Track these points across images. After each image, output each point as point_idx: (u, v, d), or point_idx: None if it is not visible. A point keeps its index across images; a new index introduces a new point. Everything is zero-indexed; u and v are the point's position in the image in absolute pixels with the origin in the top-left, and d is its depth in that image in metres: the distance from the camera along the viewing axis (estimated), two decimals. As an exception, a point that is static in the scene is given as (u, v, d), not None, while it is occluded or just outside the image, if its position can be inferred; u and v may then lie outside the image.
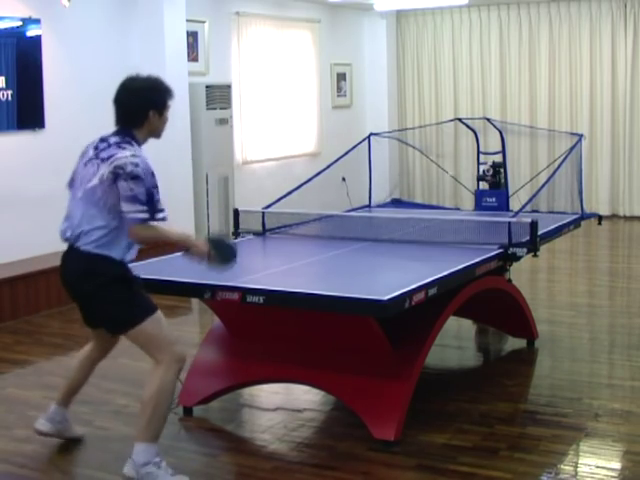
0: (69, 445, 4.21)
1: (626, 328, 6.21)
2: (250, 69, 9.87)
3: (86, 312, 3.83)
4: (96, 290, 3.65)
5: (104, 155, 3.62)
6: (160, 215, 3.61)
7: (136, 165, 3.55)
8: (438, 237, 5.09)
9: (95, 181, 3.60)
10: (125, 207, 3.55)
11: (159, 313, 3.76)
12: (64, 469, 4.01)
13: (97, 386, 4.89)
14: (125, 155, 3.57)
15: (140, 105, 3.70)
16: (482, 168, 6.54)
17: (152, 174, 3.60)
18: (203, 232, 8.76)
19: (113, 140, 3.67)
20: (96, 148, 3.69)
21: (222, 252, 3.76)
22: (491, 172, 6.41)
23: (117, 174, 3.54)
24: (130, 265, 3.79)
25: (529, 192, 7.28)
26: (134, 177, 3.53)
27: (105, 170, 3.57)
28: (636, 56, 11.01)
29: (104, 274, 3.64)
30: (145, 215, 3.56)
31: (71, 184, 3.83)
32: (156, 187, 3.61)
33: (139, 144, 3.71)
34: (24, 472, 3.98)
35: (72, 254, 3.72)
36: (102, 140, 3.72)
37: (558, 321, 6.30)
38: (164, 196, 3.71)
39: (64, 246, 3.80)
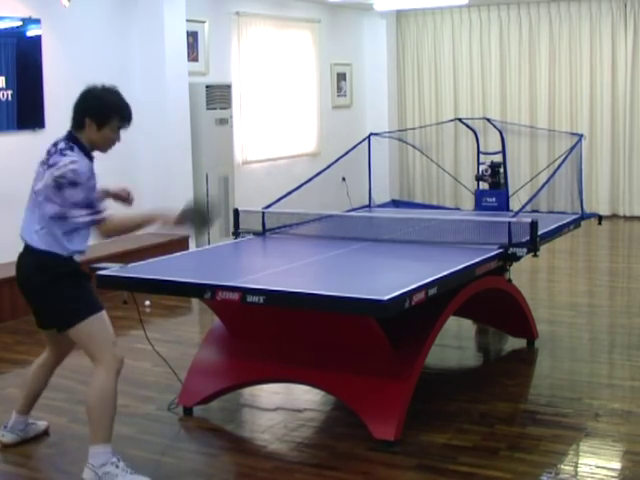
0: (68, 445, 4.21)
1: (626, 328, 6.21)
2: (250, 69, 9.87)
3: (36, 310, 3.89)
4: (44, 285, 3.73)
5: (51, 161, 3.70)
6: (103, 214, 3.67)
7: (74, 171, 3.62)
8: (438, 237, 5.08)
9: (40, 185, 3.71)
10: (73, 213, 3.63)
11: (104, 313, 3.81)
12: (64, 469, 4.01)
13: (97, 386, 4.89)
14: (65, 163, 3.63)
15: (77, 109, 3.77)
16: (481, 168, 6.54)
17: (89, 178, 3.66)
18: (203, 234, 8.77)
19: (60, 146, 3.73)
20: (49, 152, 3.77)
21: (197, 218, 3.87)
22: (489, 172, 6.41)
23: (60, 183, 3.62)
24: (132, 265, 3.80)
25: (529, 192, 7.28)
26: (74, 184, 3.61)
27: (49, 177, 3.66)
28: (636, 56, 11.01)
29: (52, 269, 3.72)
30: (93, 217, 3.64)
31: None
32: (93, 189, 3.68)
33: (82, 148, 3.73)
34: (24, 472, 3.98)
35: (24, 252, 3.84)
36: (54, 144, 3.79)
37: (558, 321, 6.30)
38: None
39: None
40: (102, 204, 3.71)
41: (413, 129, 10.73)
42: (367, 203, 6.75)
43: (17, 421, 4.19)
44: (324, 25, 11.23)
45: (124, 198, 4.17)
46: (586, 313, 6.61)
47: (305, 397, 4.80)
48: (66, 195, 3.60)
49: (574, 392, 4.83)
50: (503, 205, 6.30)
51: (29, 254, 3.80)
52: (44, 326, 3.98)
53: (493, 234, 4.94)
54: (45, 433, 4.31)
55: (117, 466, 3.69)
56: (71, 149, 3.69)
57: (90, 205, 3.63)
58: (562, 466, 3.90)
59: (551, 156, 10.92)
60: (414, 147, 10.24)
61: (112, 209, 3.80)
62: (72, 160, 3.63)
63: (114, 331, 3.85)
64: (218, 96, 8.98)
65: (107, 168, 4.34)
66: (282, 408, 4.67)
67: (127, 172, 7.85)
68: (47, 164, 3.71)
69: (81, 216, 3.63)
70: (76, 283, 3.78)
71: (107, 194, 4.09)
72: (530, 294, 6.58)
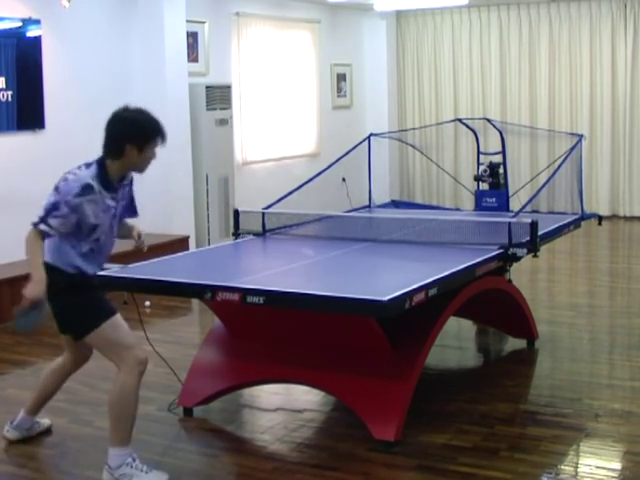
0: (69, 446, 4.22)
1: (626, 328, 6.21)
2: (250, 69, 9.87)
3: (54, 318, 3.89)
4: (52, 297, 3.73)
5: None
6: (42, 226, 3.61)
7: (65, 179, 3.65)
8: (438, 237, 5.08)
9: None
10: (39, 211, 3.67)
11: (117, 317, 3.79)
12: (64, 469, 4.01)
13: (97, 387, 4.90)
14: (68, 171, 3.69)
15: (116, 138, 3.68)
16: (481, 168, 6.54)
17: (74, 195, 3.59)
18: (203, 232, 8.78)
19: (85, 163, 3.75)
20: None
21: (32, 316, 3.70)
22: (488, 172, 6.41)
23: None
24: (133, 266, 3.80)
25: (529, 192, 7.27)
26: (55, 188, 3.65)
27: None
28: (636, 56, 11.01)
29: (56, 283, 3.71)
30: (36, 219, 3.64)
31: None
32: (66, 205, 3.59)
33: (100, 172, 3.69)
34: (24, 472, 3.98)
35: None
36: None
37: (558, 321, 6.30)
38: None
39: None
40: (52, 221, 3.60)
41: (413, 129, 10.72)
42: (367, 204, 6.76)
43: (24, 420, 4.21)
44: (324, 25, 11.23)
45: (134, 239, 4.07)
46: (586, 313, 6.61)
47: (305, 398, 4.80)
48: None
49: (574, 392, 4.83)
50: (503, 205, 6.29)
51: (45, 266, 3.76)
52: (63, 331, 3.98)
53: (493, 234, 4.93)
54: (48, 431, 4.33)
55: (132, 466, 3.69)
56: (87, 167, 3.69)
57: (45, 209, 3.62)
58: (562, 466, 3.90)
59: (551, 156, 10.92)
60: (414, 147, 10.24)
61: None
62: (74, 174, 3.66)
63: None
64: (218, 96, 8.98)
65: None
66: (282, 409, 4.67)
67: (127, 173, 7.84)
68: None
69: (37, 215, 3.64)
70: (80, 293, 3.76)
71: (131, 231, 4.06)
72: (530, 294, 6.58)
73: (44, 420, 4.34)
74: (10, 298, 6.48)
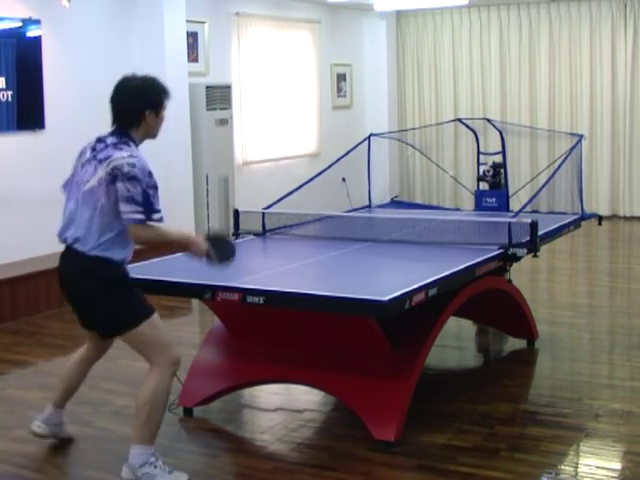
0: (69, 446, 4.21)
1: (626, 328, 6.21)
2: (250, 70, 9.87)
3: (82, 314, 3.79)
4: (94, 292, 3.63)
5: (101, 156, 3.60)
6: (156, 216, 3.58)
7: (133, 165, 3.53)
8: (438, 237, 5.09)
9: (93, 182, 3.59)
10: (122, 208, 3.54)
11: (156, 315, 3.74)
12: (64, 470, 4.02)
13: (97, 387, 4.90)
14: (122, 156, 3.56)
15: (136, 105, 3.69)
16: (482, 169, 6.55)
17: (149, 174, 3.58)
18: (203, 232, 8.77)
19: (110, 141, 3.65)
20: (94, 149, 3.68)
21: (221, 250, 3.77)
22: (491, 172, 6.41)
23: (114, 175, 3.53)
24: (133, 266, 3.79)
25: (529, 192, 7.27)
26: (131, 178, 3.52)
27: (102, 172, 3.56)
28: (636, 56, 11.01)
29: (102, 276, 3.62)
30: (141, 216, 3.54)
31: (66, 185, 3.82)
32: (154, 187, 3.58)
33: (136, 144, 3.70)
34: (24, 473, 3.98)
35: (70, 256, 3.70)
36: (99, 141, 3.70)
37: (558, 321, 6.30)
38: (164, 196, 3.70)
39: (63, 247, 3.79)
40: (157, 206, 3.57)
41: (413, 129, 10.73)
42: (367, 204, 6.76)
43: (53, 414, 4.11)
44: (324, 25, 11.22)
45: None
46: (586, 313, 6.61)
47: (305, 398, 4.80)
48: (119, 188, 3.51)
49: (574, 392, 4.83)
50: (503, 205, 6.30)
51: (76, 258, 3.65)
52: (89, 328, 3.89)
53: (493, 234, 4.94)
54: (71, 440, 4.24)
55: (156, 466, 3.66)
56: (127, 144, 3.62)
57: (144, 203, 3.52)
58: (562, 466, 3.90)
59: (551, 156, 10.92)
60: (414, 147, 10.24)
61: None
62: (130, 154, 3.57)
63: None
64: (218, 97, 8.98)
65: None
66: (282, 409, 4.67)
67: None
68: (96, 159, 3.60)
69: (130, 212, 3.52)
70: (125, 289, 3.69)
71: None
72: (530, 294, 6.57)
73: (69, 429, 4.25)
74: (10, 298, 6.48)
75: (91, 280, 3.62)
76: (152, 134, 3.79)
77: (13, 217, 7.05)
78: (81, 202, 3.64)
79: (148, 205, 3.54)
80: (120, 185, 3.52)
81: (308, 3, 10.86)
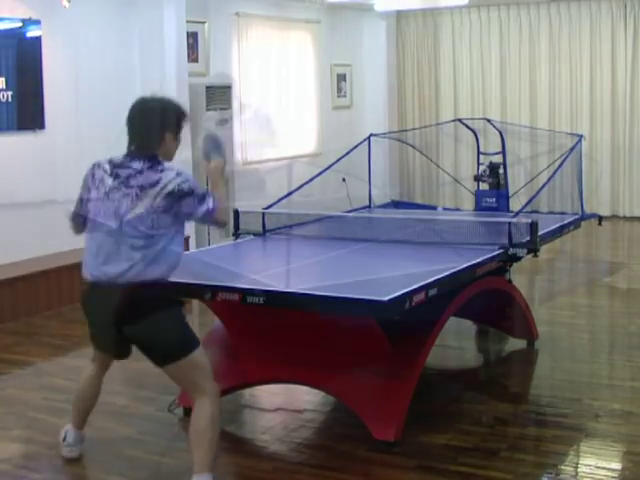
0: (69, 446, 4.21)
1: (626, 328, 6.21)
2: (250, 70, 9.86)
3: (124, 345, 3.67)
4: (146, 320, 3.47)
5: (141, 182, 3.47)
6: (210, 197, 3.64)
7: (185, 181, 3.52)
8: (438, 238, 5.08)
9: (140, 210, 3.44)
10: (199, 210, 3.55)
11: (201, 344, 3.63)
12: (64, 470, 4.01)
13: (97, 387, 4.89)
14: (172, 177, 3.49)
15: (156, 127, 3.60)
16: (481, 169, 6.55)
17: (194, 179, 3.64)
18: (203, 234, 8.76)
19: (140, 166, 3.52)
20: (116, 176, 3.53)
21: (213, 146, 3.93)
22: (488, 172, 6.42)
23: (178, 196, 3.47)
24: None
25: (529, 192, 7.27)
26: (190, 190, 3.51)
27: (154, 197, 3.44)
28: (636, 56, 11.01)
29: (157, 299, 3.48)
30: (211, 201, 3.60)
31: (79, 216, 3.68)
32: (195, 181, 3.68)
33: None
34: (24, 473, 3.97)
35: (109, 293, 3.49)
36: (119, 166, 3.56)
37: (558, 321, 6.30)
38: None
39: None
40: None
41: (413, 130, 10.73)
42: (367, 204, 6.76)
43: (77, 435, 4.07)
44: (324, 26, 11.22)
45: None
46: (586, 313, 6.61)
47: (305, 398, 4.80)
48: (186, 202, 3.49)
49: (574, 393, 4.83)
50: (503, 206, 6.30)
51: (121, 292, 3.45)
52: (123, 357, 3.80)
53: (493, 235, 4.94)
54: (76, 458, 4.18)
55: None
56: (161, 164, 3.54)
57: (205, 193, 3.60)
58: (562, 467, 3.90)
59: (551, 156, 10.89)
60: (414, 148, 10.24)
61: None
62: (175, 173, 3.51)
63: None
64: (218, 97, 8.98)
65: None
66: (282, 409, 4.67)
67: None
68: (132, 187, 3.46)
69: (206, 206, 3.55)
70: (178, 311, 3.55)
71: None
72: (530, 294, 6.58)
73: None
74: (10, 298, 6.48)
75: (140, 309, 3.46)
76: (169, 156, 3.68)
77: (13, 217, 7.05)
78: (124, 232, 3.47)
79: (205, 192, 3.62)
80: (187, 200, 3.50)
81: (308, 3, 10.84)
